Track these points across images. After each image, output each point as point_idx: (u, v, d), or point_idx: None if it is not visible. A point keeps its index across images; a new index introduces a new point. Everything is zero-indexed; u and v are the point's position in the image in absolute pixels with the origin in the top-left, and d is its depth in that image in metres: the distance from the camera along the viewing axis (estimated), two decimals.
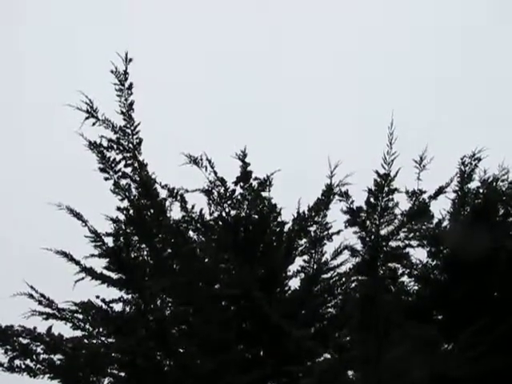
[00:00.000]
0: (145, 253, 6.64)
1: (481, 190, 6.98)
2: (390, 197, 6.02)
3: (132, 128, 6.46)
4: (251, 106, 12.39)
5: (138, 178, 6.51)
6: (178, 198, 6.65)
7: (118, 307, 6.61)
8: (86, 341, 6.48)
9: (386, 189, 5.97)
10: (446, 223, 6.96)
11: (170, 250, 6.62)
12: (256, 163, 6.74)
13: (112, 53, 6.35)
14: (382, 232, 6.07)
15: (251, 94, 12.54)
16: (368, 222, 6.01)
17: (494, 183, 7.02)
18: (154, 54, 12.03)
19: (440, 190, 6.46)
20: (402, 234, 6.21)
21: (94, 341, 6.51)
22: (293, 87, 12.74)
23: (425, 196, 6.52)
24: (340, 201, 6.07)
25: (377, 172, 5.95)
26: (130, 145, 6.48)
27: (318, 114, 12.45)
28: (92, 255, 6.62)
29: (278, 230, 6.79)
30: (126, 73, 6.33)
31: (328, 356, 6.16)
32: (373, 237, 5.96)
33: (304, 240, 6.85)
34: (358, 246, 6.26)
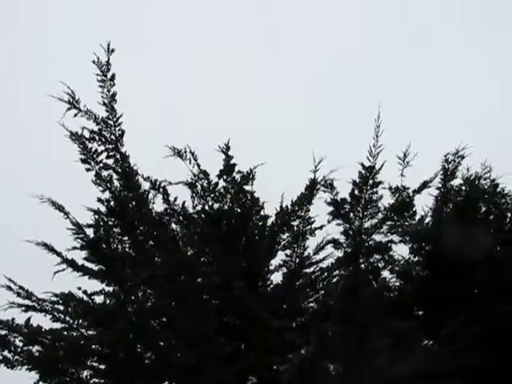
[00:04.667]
0: (127, 245, 6.60)
1: (463, 188, 7.03)
2: (375, 190, 6.04)
3: (114, 119, 6.42)
4: (247, 105, 12.38)
5: (119, 170, 6.47)
6: (161, 190, 6.62)
7: (99, 300, 6.56)
8: (65, 333, 6.41)
9: (370, 181, 5.99)
10: (428, 220, 7.01)
11: (151, 243, 6.59)
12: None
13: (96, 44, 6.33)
14: (366, 225, 6.09)
15: (248, 93, 12.55)
16: (351, 215, 6.03)
17: (477, 181, 7.08)
18: (149, 52, 12.06)
19: (424, 185, 6.49)
20: (384, 228, 6.24)
21: (74, 333, 6.44)
22: (291, 87, 12.76)
23: (409, 191, 6.55)
24: (324, 192, 6.09)
25: (362, 164, 5.97)
26: (112, 136, 6.44)
27: (317, 113, 12.46)
28: (74, 248, 6.57)
29: (260, 223, 6.77)
30: (108, 63, 6.29)
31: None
32: (355, 229, 5.97)
33: (287, 234, 6.82)
34: (341, 240, 6.29)
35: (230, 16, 13.03)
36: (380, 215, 6.21)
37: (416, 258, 7.02)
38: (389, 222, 6.36)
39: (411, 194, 6.42)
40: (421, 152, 6.68)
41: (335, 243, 6.23)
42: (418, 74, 13.05)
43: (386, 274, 6.93)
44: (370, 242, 6.30)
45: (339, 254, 6.44)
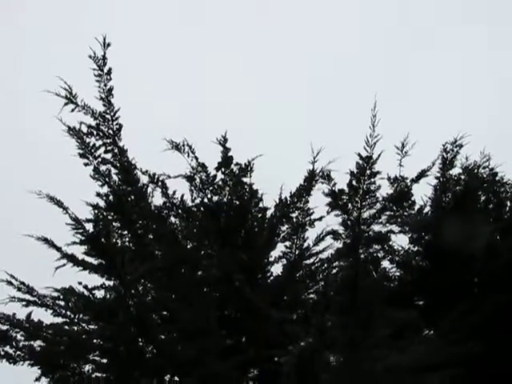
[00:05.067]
0: (126, 239, 6.61)
1: (462, 177, 7.02)
2: (372, 180, 6.01)
3: (112, 114, 6.42)
4: (247, 105, 12.37)
5: (118, 164, 6.47)
6: (159, 183, 6.62)
7: (100, 294, 6.57)
8: (66, 327, 6.42)
9: (368, 171, 5.96)
10: (427, 209, 7.00)
11: (151, 236, 6.59)
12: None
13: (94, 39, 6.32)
14: (364, 215, 6.07)
15: (248, 93, 12.55)
16: (350, 205, 6.01)
17: (476, 170, 7.06)
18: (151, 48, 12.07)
19: (422, 174, 6.46)
20: (383, 218, 6.22)
21: (75, 327, 6.45)
22: (291, 87, 12.76)
23: (407, 181, 6.53)
24: (322, 183, 6.08)
25: (359, 154, 5.94)
26: (110, 131, 6.44)
27: (317, 112, 12.45)
28: (74, 242, 6.57)
29: (259, 215, 6.77)
30: (104, 58, 6.28)
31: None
32: (354, 219, 5.95)
33: (286, 226, 6.82)
34: (340, 231, 6.28)
35: (230, 16, 13.02)
36: (378, 205, 6.19)
37: (416, 248, 7.02)
38: (387, 212, 6.34)
39: (409, 184, 6.40)
40: (420, 144, 6.67)
41: (334, 234, 6.22)
42: (418, 73, 13.06)
43: (385, 264, 6.95)
44: (370, 233, 6.28)
45: (339, 244, 6.43)
